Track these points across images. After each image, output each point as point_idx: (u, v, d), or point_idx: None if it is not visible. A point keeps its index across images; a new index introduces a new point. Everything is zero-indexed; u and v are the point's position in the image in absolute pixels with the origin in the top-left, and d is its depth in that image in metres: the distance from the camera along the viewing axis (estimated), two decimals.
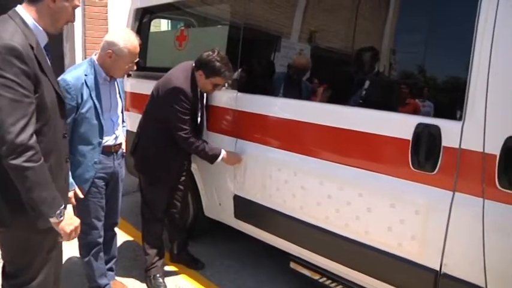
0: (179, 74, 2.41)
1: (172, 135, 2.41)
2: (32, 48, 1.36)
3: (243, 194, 2.58)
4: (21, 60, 1.30)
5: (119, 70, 2.09)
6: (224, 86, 2.54)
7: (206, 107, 2.66)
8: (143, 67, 3.39)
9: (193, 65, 2.42)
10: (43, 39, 1.47)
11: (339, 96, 2.15)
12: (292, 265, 2.42)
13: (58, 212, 1.42)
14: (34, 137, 1.33)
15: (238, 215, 2.67)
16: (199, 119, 2.55)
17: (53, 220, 1.42)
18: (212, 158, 2.47)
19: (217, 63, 2.34)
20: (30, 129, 1.32)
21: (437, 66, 1.82)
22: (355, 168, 2.01)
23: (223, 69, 2.35)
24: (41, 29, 1.45)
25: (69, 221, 1.47)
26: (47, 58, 1.47)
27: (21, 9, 1.43)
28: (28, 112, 1.32)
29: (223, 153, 2.47)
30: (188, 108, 2.36)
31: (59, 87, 1.55)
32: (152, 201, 2.60)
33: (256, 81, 2.57)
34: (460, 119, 1.69)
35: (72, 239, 1.51)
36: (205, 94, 2.58)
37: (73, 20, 1.53)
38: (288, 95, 2.38)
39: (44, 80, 1.40)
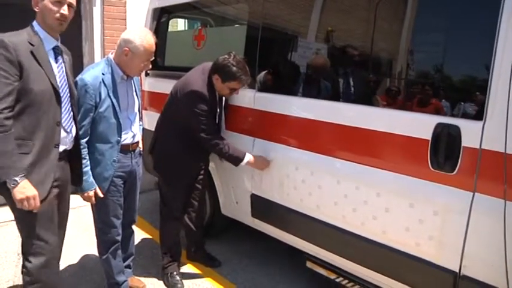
0: (198, 77, 2.43)
1: (191, 135, 2.44)
2: (32, 45, 1.68)
3: (260, 192, 2.60)
4: (5, 49, 1.60)
5: (134, 68, 2.09)
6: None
7: (224, 107, 2.67)
8: (162, 66, 3.44)
9: (210, 68, 2.43)
10: (49, 42, 1.78)
11: (356, 96, 2.16)
12: (309, 264, 2.43)
13: (13, 179, 1.62)
14: (5, 111, 1.59)
15: (255, 213, 2.68)
16: (217, 120, 2.57)
17: (9, 186, 1.63)
18: (235, 160, 2.45)
19: (234, 68, 2.33)
20: (1, 105, 1.58)
21: (458, 65, 1.81)
22: (372, 168, 2.01)
23: (240, 74, 2.35)
24: (45, 33, 1.77)
25: (21, 189, 1.64)
26: (48, 56, 1.76)
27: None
28: (3, 90, 1.59)
29: (248, 157, 2.44)
30: (207, 111, 2.38)
31: (56, 81, 1.76)
32: (170, 199, 2.62)
33: (275, 80, 2.57)
34: (480, 118, 1.67)
35: (25, 207, 1.66)
36: (223, 97, 2.60)
37: (59, 17, 1.74)
38: (305, 94, 2.39)
39: (34, 71, 1.67)
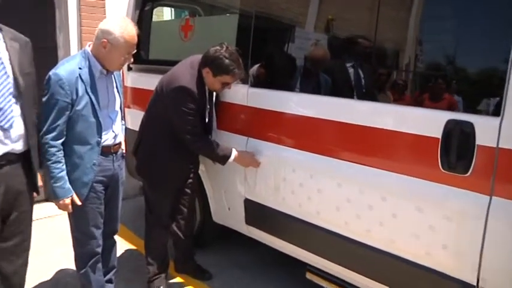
0: (185, 72, 2.42)
1: (178, 134, 2.43)
2: None
3: (255, 197, 2.59)
4: None
5: (114, 62, 2.07)
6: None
7: (215, 104, 2.67)
8: (146, 60, 3.43)
9: (200, 61, 2.42)
10: None
11: (359, 91, 2.15)
12: (308, 275, 2.42)
13: None
14: None
15: (249, 220, 2.68)
16: (207, 118, 2.56)
17: None
18: (223, 159, 2.47)
19: (226, 60, 2.32)
20: None
21: (471, 56, 1.80)
22: (377, 170, 2.00)
23: (233, 67, 2.34)
24: None
25: None
26: None
27: None
28: None
29: (234, 153, 2.47)
30: (195, 109, 2.38)
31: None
32: (156, 206, 2.61)
33: (269, 74, 2.57)
34: (497, 114, 1.66)
35: None
36: (214, 92, 2.59)
37: None
38: (304, 89, 2.38)
39: None
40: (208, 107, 2.55)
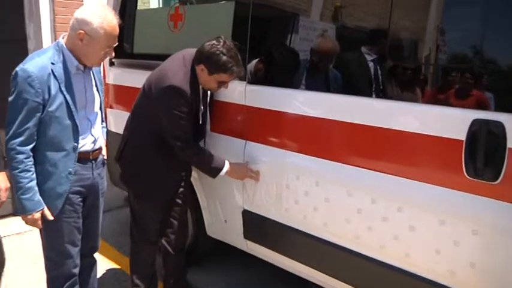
0: (177, 69, 2.40)
1: (166, 139, 2.42)
2: None
3: (254, 208, 2.58)
4: None
5: (92, 56, 2.04)
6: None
7: (210, 104, 2.65)
8: (130, 54, 3.42)
9: (194, 57, 2.40)
10: None
11: (372, 88, 2.15)
12: None
13: None
14: None
15: (248, 234, 2.66)
16: (200, 121, 2.54)
17: None
18: (214, 171, 2.47)
19: (224, 57, 2.30)
20: None
21: (500, 47, 1.77)
22: (392, 176, 1.99)
23: (231, 65, 2.31)
24: None
25: None
26: None
27: None
28: None
29: (226, 165, 2.46)
30: (188, 112, 2.36)
31: None
32: (143, 219, 2.59)
33: (270, 70, 2.57)
34: None
35: None
36: (208, 91, 2.57)
37: None
38: (309, 86, 2.38)
39: None
40: (202, 108, 2.53)
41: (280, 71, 2.54)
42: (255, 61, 2.55)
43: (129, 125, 2.57)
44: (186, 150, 2.41)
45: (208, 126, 2.64)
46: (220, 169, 2.45)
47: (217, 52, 2.29)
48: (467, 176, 1.76)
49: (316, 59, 2.37)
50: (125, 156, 2.56)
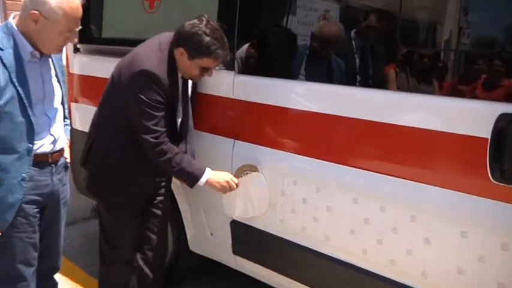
0: (151, 53, 2.36)
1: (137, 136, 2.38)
2: None
3: (245, 218, 2.56)
4: None
5: (50, 41, 2.00)
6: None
7: (192, 97, 2.61)
8: (98, 38, 3.39)
9: (172, 39, 2.37)
10: None
11: (381, 79, 2.15)
12: None
13: None
14: None
15: (237, 249, 2.65)
16: (180, 117, 2.49)
17: None
18: (191, 178, 2.39)
19: (207, 38, 2.25)
20: None
21: None
22: (405, 181, 1.98)
23: (215, 47, 2.27)
24: None
25: None
26: None
27: None
28: None
29: (208, 173, 2.39)
30: (160, 102, 2.31)
31: None
32: (114, 234, 2.55)
33: (263, 58, 2.55)
34: None
35: None
36: (189, 81, 2.54)
37: None
38: (309, 77, 2.38)
39: None
40: (182, 100, 2.49)
41: (274, 59, 2.53)
42: (245, 47, 2.53)
43: (96, 121, 2.54)
44: (156, 149, 2.33)
45: (191, 123, 2.59)
46: (199, 177, 2.38)
47: (199, 32, 2.25)
48: (492, 180, 1.74)
49: (317, 45, 2.35)
50: (91, 160, 2.52)
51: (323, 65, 2.35)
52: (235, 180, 2.43)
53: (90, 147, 2.52)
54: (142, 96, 2.27)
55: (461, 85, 1.90)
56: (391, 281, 2.02)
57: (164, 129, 2.34)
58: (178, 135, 2.49)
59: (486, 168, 1.74)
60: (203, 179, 2.37)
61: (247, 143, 2.50)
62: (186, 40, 2.29)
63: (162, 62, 2.32)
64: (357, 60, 2.25)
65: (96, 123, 2.52)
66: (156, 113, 2.29)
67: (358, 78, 2.22)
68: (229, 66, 2.52)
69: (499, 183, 1.72)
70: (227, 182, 2.42)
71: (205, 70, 2.36)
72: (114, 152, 2.44)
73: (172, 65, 2.34)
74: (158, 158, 2.35)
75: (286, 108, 2.35)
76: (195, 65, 2.33)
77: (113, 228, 2.54)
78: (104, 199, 2.55)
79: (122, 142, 2.42)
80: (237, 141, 2.55)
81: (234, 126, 2.56)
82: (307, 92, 2.31)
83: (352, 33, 2.24)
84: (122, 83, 2.36)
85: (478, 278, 1.81)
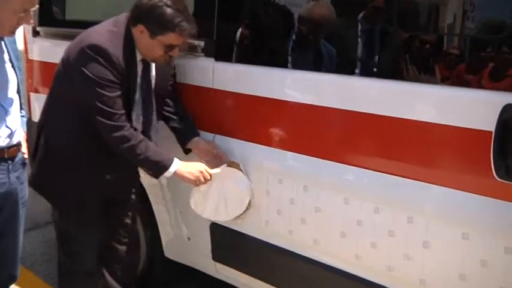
0: (102, 29, 2.29)
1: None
2: None
3: (226, 221, 2.53)
4: None
5: (2, 23, 1.99)
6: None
7: (160, 82, 2.53)
8: (61, 20, 3.39)
9: (129, 16, 2.30)
10: None
11: (376, 66, 2.14)
12: None
13: None
14: None
15: (217, 255, 2.65)
16: (139, 111, 2.36)
17: None
18: (158, 168, 2.32)
19: (168, 9, 2.18)
20: None
21: None
22: (401, 179, 1.98)
23: (179, 19, 2.19)
24: None
25: None
26: None
27: None
28: None
29: (176, 163, 2.33)
30: (113, 81, 2.22)
31: None
32: (74, 241, 2.48)
33: (245, 43, 2.53)
34: None
35: None
36: (153, 66, 2.42)
37: None
38: (296, 64, 2.36)
39: None
40: (143, 90, 2.37)
41: (258, 45, 2.53)
42: (225, 30, 2.50)
43: (46, 108, 2.46)
44: (116, 134, 2.23)
45: (155, 117, 2.49)
46: (167, 167, 2.30)
47: (160, 4, 2.18)
48: (496, 178, 1.72)
49: (306, 28, 2.35)
50: (40, 152, 2.43)
51: (311, 52, 2.36)
52: (211, 171, 2.37)
53: (38, 137, 2.43)
54: (88, 73, 2.18)
55: (463, 73, 1.89)
56: None
57: (122, 111, 2.26)
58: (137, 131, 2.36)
59: (490, 164, 1.73)
60: (171, 169, 2.30)
61: (229, 138, 2.50)
62: (145, 15, 2.21)
63: (115, 38, 2.25)
64: (350, 46, 2.22)
65: (46, 110, 2.45)
66: (109, 93, 2.20)
67: (350, 66, 2.21)
68: (208, 53, 2.50)
69: (504, 181, 1.71)
70: (201, 172, 2.35)
71: (170, 49, 2.28)
72: (67, 144, 2.35)
73: (128, 43, 2.26)
74: (119, 144, 2.26)
75: (271, 99, 2.34)
76: (158, 43, 2.25)
77: (68, 235, 2.47)
78: (54, 199, 2.46)
79: (75, 129, 2.33)
80: (217, 136, 2.54)
81: (214, 119, 2.55)
82: (293, 81, 2.31)
83: (344, 15, 2.23)
84: (69, 62, 2.29)
85: (480, 284, 1.81)
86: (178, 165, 2.32)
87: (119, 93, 2.23)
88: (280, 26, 2.43)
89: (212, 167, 2.41)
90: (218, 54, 2.50)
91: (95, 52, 2.17)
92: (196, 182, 2.36)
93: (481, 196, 1.78)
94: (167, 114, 2.53)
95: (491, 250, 1.77)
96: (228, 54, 2.51)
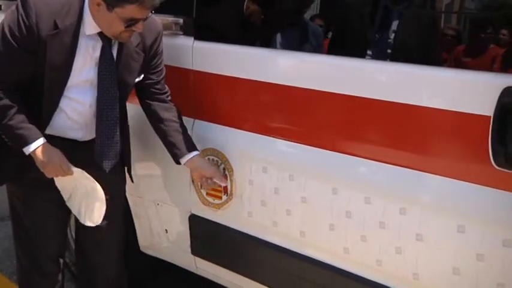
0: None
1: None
2: None
3: (206, 212, 2.56)
4: None
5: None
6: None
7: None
8: None
9: None
10: None
11: (367, 46, 2.15)
12: None
13: None
14: None
15: (197, 249, 2.66)
16: (75, 92, 2.24)
17: None
18: (18, 141, 2.18)
19: None
20: None
21: None
22: (393, 167, 1.98)
23: None
24: None
25: None
26: None
27: None
28: None
29: (37, 143, 2.17)
30: (19, 39, 2.06)
31: None
32: (28, 234, 2.42)
33: (227, 21, 2.53)
34: None
35: None
36: (116, 44, 2.29)
37: None
38: (282, 44, 2.38)
39: None
40: (99, 71, 2.24)
41: (240, 23, 2.51)
42: (206, 7, 2.50)
43: None
44: None
45: (116, 113, 2.31)
46: (28, 142, 2.16)
47: None
48: (495, 166, 1.71)
49: (293, 3, 2.38)
50: None
51: (296, 30, 2.36)
52: (73, 169, 2.21)
53: None
54: (3, 22, 2.08)
55: (459, 54, 1.89)
56: (378, 285, 2.03)
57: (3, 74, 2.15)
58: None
59: (488, 151, 1.72)
60: (33, 146, 2.14)
61: (209, 123, 2.51)
62: None
63: (57, 2, 2.13)
64: (338, 26, 2.25)
65: None
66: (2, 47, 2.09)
67: (338, 45, 2.20)
68: (187, 31, 2.49)
69: (503, 169, 1.70)
70: (60, 164, 2.19)
71: (132, 23, 2.16)
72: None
73: (73, 13, 2.14)
74: None
75: (255, 81, 2.33)
76: (117, 17, 2.11)
77: (25, 225, 2.39)
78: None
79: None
80: (197, 121, 2.54)
81: (194, 102, 2.55)
82: (278, 62, 2.31)
83: None
84: None
85: (476, 279, 1.81)
86: (39, 149, 2.16)
87: (12, 54, 2.11)
88: (266, 1, 2.44)
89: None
90: (198, 32, 2.48)
91: (21, 4, 2.07)
92: (48, 171, 2.21)
93: (478, 185, 1.78)
94: (152, 119, 2.40)
95: (488, 243, 1.77)
96: (208, 32, 2.50)
